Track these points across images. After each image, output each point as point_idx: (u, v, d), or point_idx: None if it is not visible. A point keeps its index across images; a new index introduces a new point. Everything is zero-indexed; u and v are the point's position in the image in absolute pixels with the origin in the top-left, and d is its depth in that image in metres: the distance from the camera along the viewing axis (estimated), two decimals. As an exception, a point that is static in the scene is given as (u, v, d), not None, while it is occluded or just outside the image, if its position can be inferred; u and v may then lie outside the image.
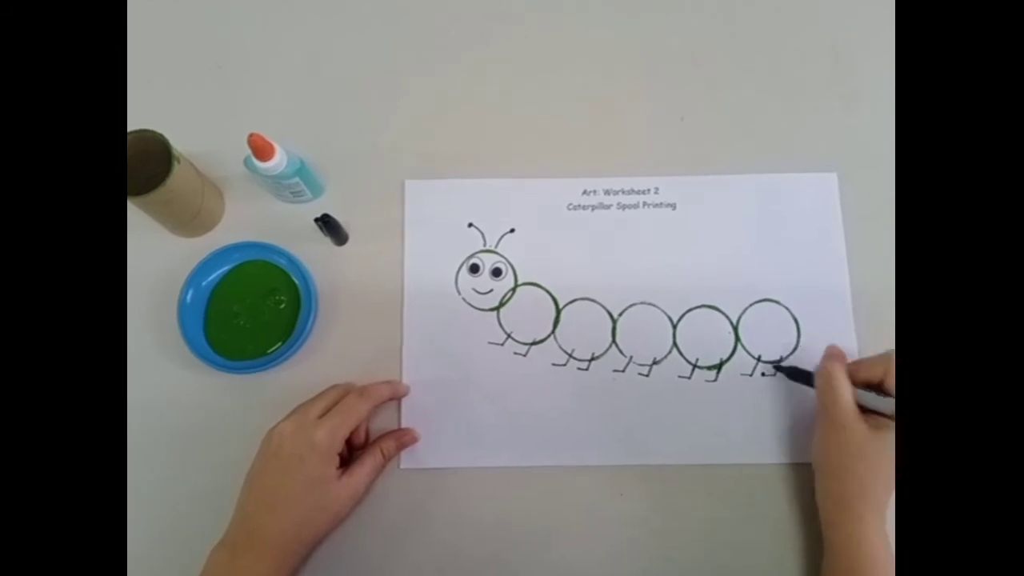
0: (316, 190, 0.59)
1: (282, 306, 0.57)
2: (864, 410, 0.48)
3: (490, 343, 0.57)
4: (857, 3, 0.65)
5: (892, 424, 0.47)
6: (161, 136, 0.52)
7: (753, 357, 0.56)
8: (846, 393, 0.48)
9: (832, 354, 0.52)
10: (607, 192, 0.60)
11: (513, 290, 0.58)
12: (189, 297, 0.56)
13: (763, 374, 0.56)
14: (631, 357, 0.57)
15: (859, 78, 0.63)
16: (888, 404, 0.47)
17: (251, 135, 0.51)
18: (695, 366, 0.56)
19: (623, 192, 0.60)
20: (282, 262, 0.57)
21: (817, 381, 0.51)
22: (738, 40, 0.64)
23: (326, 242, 0.58)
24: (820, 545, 0.50)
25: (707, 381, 0.56)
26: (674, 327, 0.57)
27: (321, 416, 0.50)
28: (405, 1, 0.66)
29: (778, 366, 0.56)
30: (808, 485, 0.52)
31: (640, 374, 0.56)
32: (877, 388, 0.49)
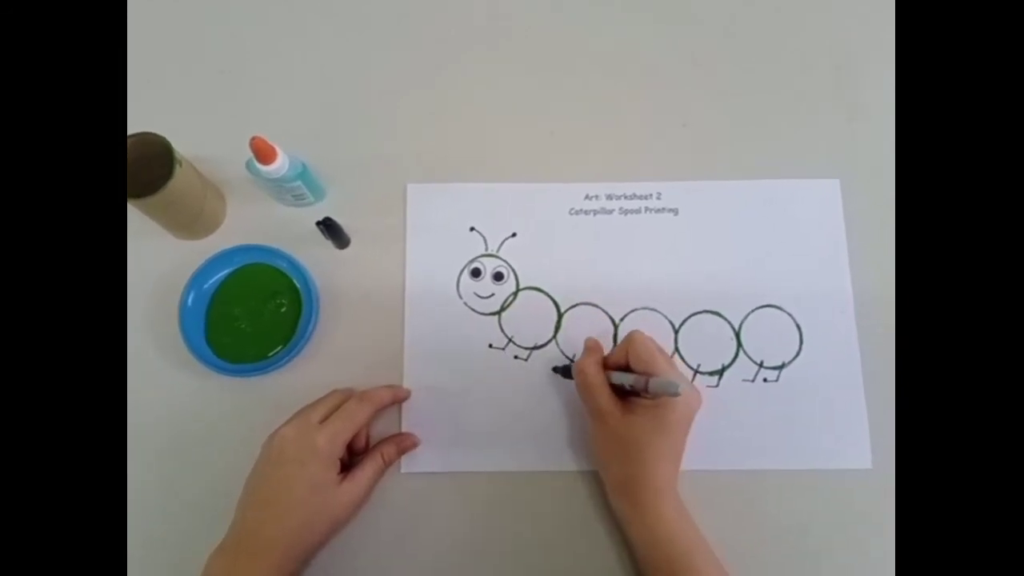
0: (318, 193, 0.59)
1: (283, 309, 0.57)
2: (623, 397, 0.50)
3: (491, 347, 0.57)
4: (859, 10, 0.65)
5: (643, 403, 0.49)
6: (163, 139, 0.52)
7: (755, 363, 0.56)
8: (598, 382, 0.49)
9: (587, 347, 0.53)
10: (609, 197, 0.60)
11: (515, 294, 0.58)
12: (190, 300, 0.56)
13: (765, 380, 0.56)
14: (632, 362, 0.56)
15: (861, 85, 0.63)
16: (627, 378, 0.48)
17: (253, 138, 0.51)
18: (697, 371, 0.56)
19: (625, 197, 0.60)
20: (283, 265, 0.57)
21: (574, 376, 0.51)
22: (741, 46, 0.64)
23: (328, 245, 0.58)
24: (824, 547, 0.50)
25: (708, 387, 0.56)
26: (676, 332, 0.57)
27: (322, 421, 0.50)
28: (408, 5, 0.66)
29: (554, 367, 0.56)
30: (814, 491, 0.52)
31: (641, 379, 0.56)
32: (626, 370, 0.50)
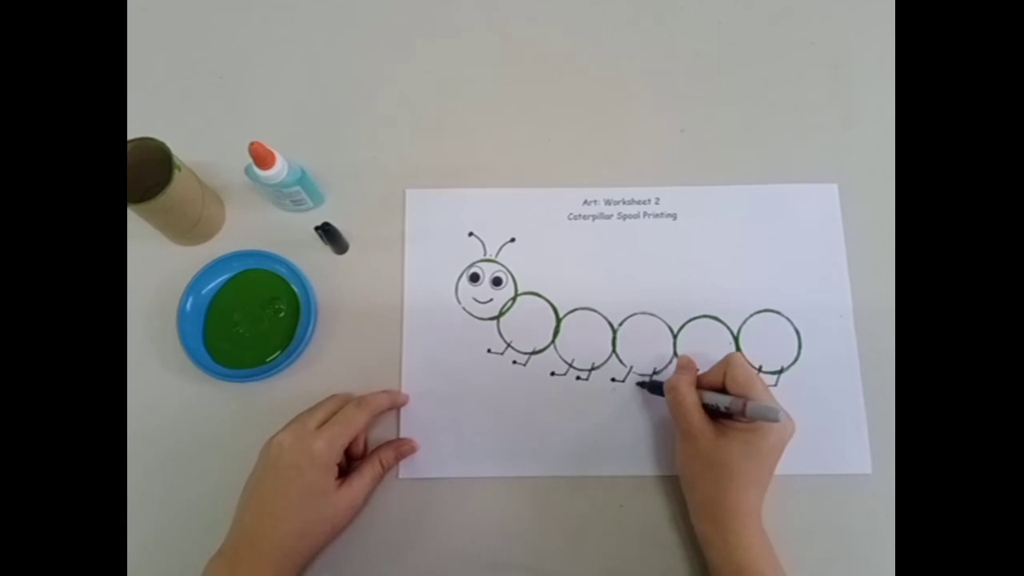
0: (317, 199, 0.59)
1: (282, 315, 0.57)
2: (714, 417, 0.49)
3: (490, 352, 0.57)
4: (856, 15, 0.65)
5: (737, 427, 0.48)
6: (162, 144, 0.52)
7: (754, 367, 0.56)
8: (691, 402, 0.49)
9: (681, 365, 0.53)
10: (608, 202, 0.60)
11: (513, 299, 0.58)
12: (189, 305, 0.56)
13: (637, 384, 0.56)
14: (631, 367, 0.56)
15: (858, 91, 0.63)
16: (724, 399, 0.48)
17: (252, 143, 0.51)
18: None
19: (624, 202, 0.60)
20: (282, 271, 0.57)
21: (666, 394, 0.51)
22: (738, 52, 0.64)
23: (326, 251, 0.58)
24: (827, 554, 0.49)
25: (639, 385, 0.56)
26: (674, 337, 0.57)
27: (320, 426, 0.49)
28: (407, 12, 0.66)
29: (640, 382, 0.56)
30: (814, 496, 0.52)
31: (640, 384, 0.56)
32: (721, 392, 0.50)
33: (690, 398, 0.49)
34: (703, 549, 0.49)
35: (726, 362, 0.50)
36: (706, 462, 0.48)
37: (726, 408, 0.48)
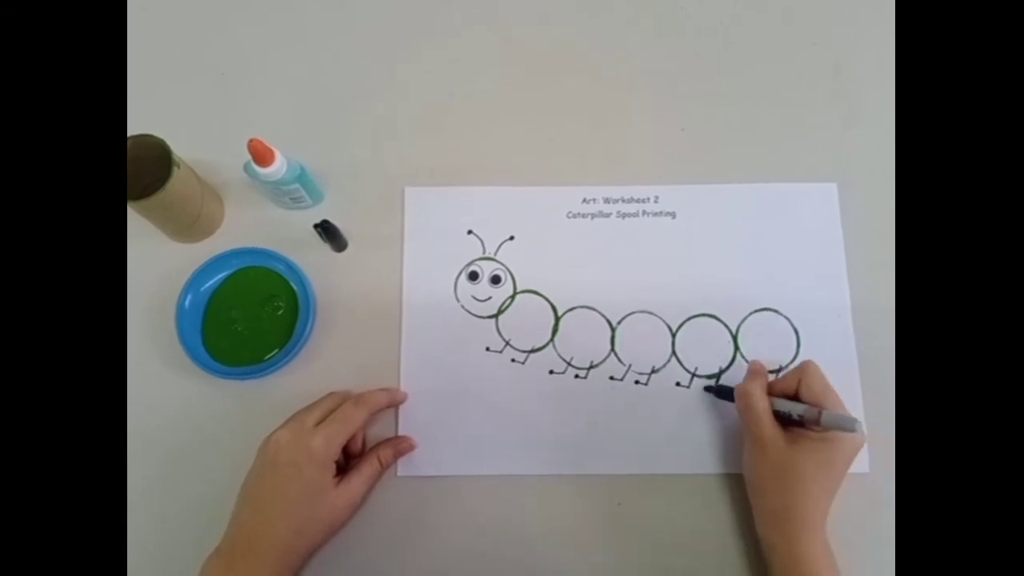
0: (316, 196, 0.59)
1: (280, 312, 0.57)
2: (787, 425, 0.49)
3: (488, 350, 0.57)
4: (856, 14, 0.65)
5: (810, 435, 0.48)
6: (161, 141, 0.52)
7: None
8: (762, 408, 0.49)
9: (753, 371, 0.53)
10: (607, 200, 0.60)
11: (512, 297, 0.58)
12: (187, 302, 0.56)
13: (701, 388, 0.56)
14: (630, 365, 0.56)
15: (858, 90, 0.63)
16: (797, 407, 0.48)
17: (251, 140, 0.51)
18: (694, 375, 0.56)
19: (623, 200, 0.60)
20: (281, 268, 0.57)
21: (737, 399, 0.51)
22: (738, 51, 0.64)
23: (325, 249, 0.58)
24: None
25: (706, 390, 0.56)
26: (673, 336, 0.57)
27: (318, 424, 0.49)
28: (407, 9, 0.66)
29: (707, 386, 0.56)
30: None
31: (639, 383, 0.56)
32: (794, 399, 0.49)
33: (762, 404, 0.49)
34: (766, 555, 0.48)
35: (801, 370, 0.49)
36: (776, 470, 0.47)
37: (799, 416, 0.47)
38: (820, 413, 0.46)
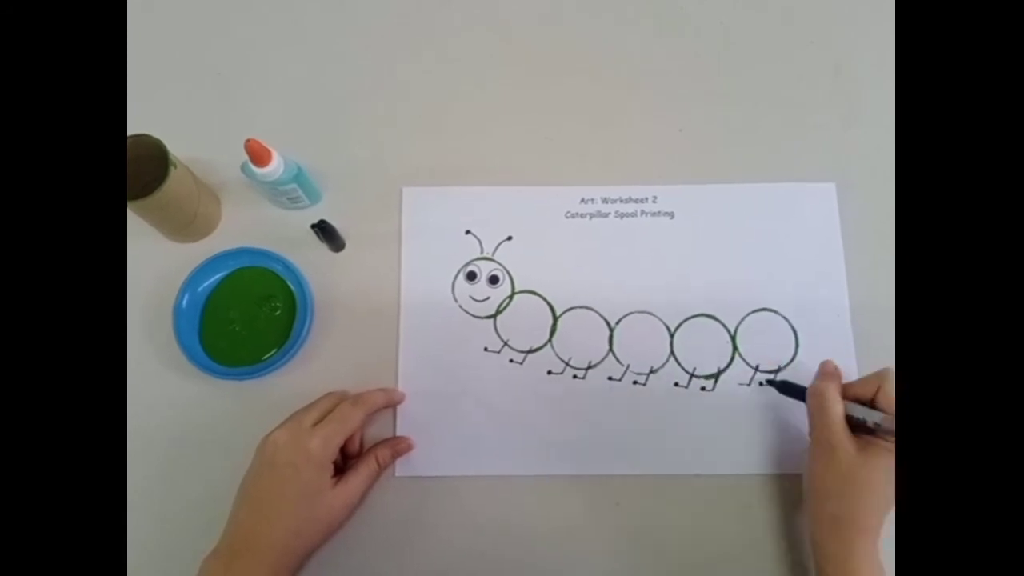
0: (313, 196, 0.59)
1: (278, 312, 0.57)
2: (856, 431, 0.48)
3: (486, 351, 0.57)
4: (855, 14, 0.65)
5: (882, 445, 0.47)
6: (158, 141, 0.52)
7: (751, 367, 0.56)
8: (836, 412, 0.48)
9: (826, 371, 0.52)
10: (605, 200, 0.60)
11: (510, 298, 0.58)
12: (184, 302, 0.56)
13: (761, 384, 0.56)
14: (628, 366, 0.56)
15: (856, 90, 0.63)
16: (873, 415, 0.47)
17: (248, 140, 0.50)
18: (692, 375, 0.56)
19: (621, 200, 0.60)
20: (278, 268, 0.57)
21: (809, 399, 0.50)
22: (736, 50, 0.64)
23: (323, 249, 0.58)
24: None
25: (704, 391, 0.56)
26: (671, 336, 0.57)
27: (315, 424, 0.49)
28: (404, 9, 0.66)
29: (771, 380, 0.55)
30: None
31: (637, 383, 0.56)
32: (869, 406, 0.48)
33: (837, 409, 0.47)
34: (818, 560, 0.47)
35: (881, 376, 0.48)
36: (844, 477, 0.46)
37: (875, 424, 0.46)
38: None
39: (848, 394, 0.49)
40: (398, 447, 0.54)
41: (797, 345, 0.57)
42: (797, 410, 0.54)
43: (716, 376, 0.56)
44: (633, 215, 0.59)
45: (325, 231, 0.55)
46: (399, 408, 0.55)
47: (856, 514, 0.46)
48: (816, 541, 0.48)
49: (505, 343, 0.57)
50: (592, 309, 0.57)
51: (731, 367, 0.56)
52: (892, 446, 0.46)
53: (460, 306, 0.58)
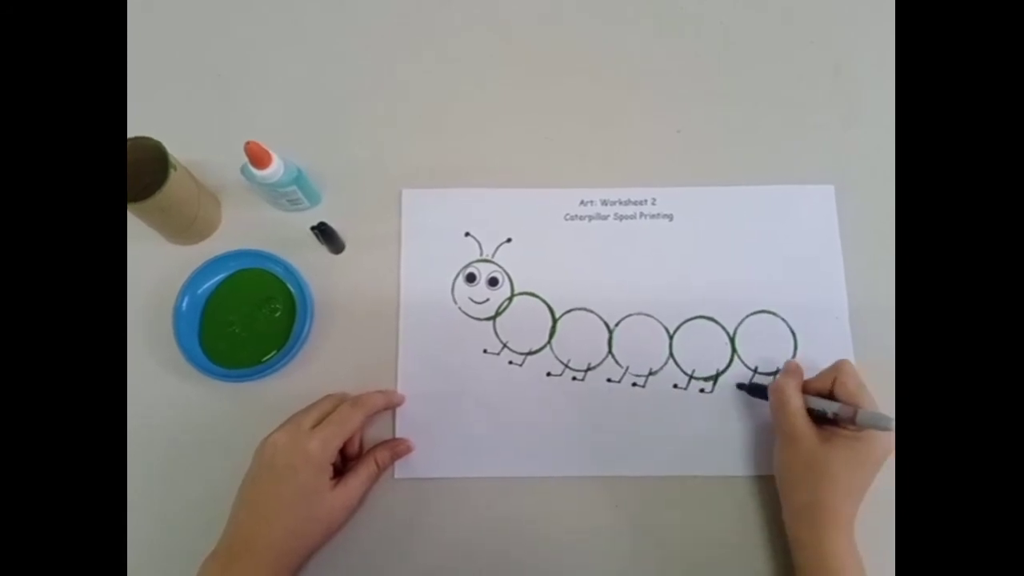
0: (313, 198, 0.59)
1: (277, 314, 0.57)
2: (819, 423, 0.49)
3: (486, 352, 0.57)
4: (854, 16, 0.65)
5: (843, 434, 0.48)
6: (158, 143, 0.52)
7: (750, 368, 0.56)
8: (795, 404, 0.49)
9: (788, 369, 0.53)
10: (604, 202, 0.60)
11: (509, 300, 0.58)
12: (184, 305, 0.56)
13: (739, 386, 0.56)
14: (627, 367, 0.56)
15: (855, 92, 0.63)
16: (832, 405, 0.48)
17: (248, 143, 0.51)
18: (691, 377, 0.56)
19: (620, 203, 0.60)
20: (278, 270, 0.57)
21: (770, 395, 0.51)
22: (735, 52, 0.64)
23: (322, 251, 0.58)
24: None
25: (703, 392, 0.56)
26: (670, 338, 0.57)
27: (314, 426, 0.49)
28: (404, 11, 0.66)
29: (740, 384, 0.56)
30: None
31: (636, 384, 0.56)
32: (829, 398, 0.50)
33: (796, 402, 0.49)
34: (793, 551, 0.49)
35: (836, 369, 0.50)
36: (808, 467, 0.48)
37: (834, 414, 0.48)
38: (855, 411, 0.46)
39: (808, 389, 0.51)
40: (397, 449, 0.54)
41: (796, 347, 0.57)
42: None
43: (715, 378, 0.56)
44: (632, 217, 0.59)
45: (325, 233, 0.55)
46: (398, 410, 0.55)
47: (824, 501, 0.47)
48: (789, 532, 0.49)
49: (504, 345, 0.57)
50: (591, 311, 0.58)
51: (730, 369, 0.56)
52: (853, 435, 0.48)
53: (459, 308, 0.58)
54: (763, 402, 0.54)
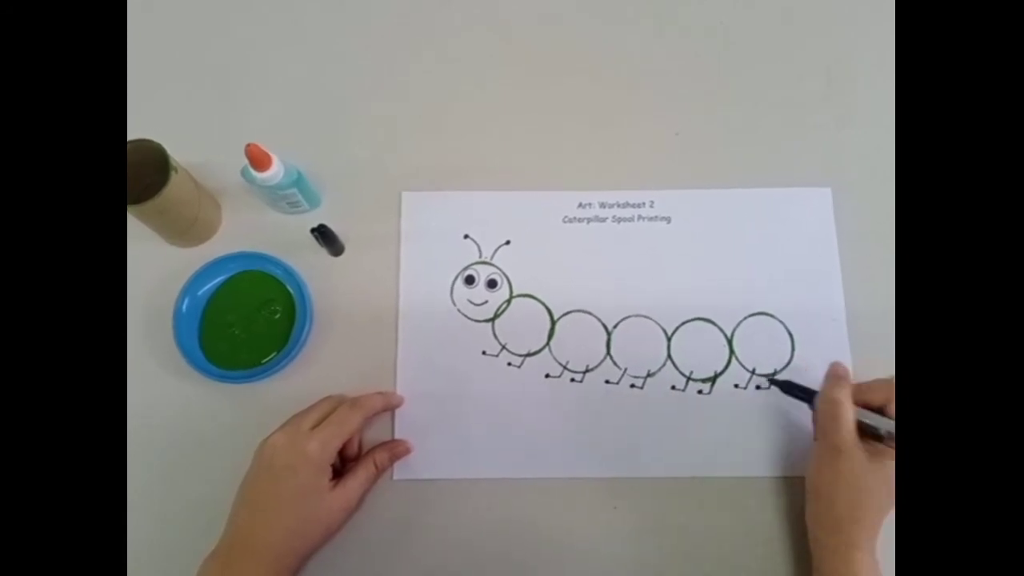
0: (313, 201, 0.59)
1: (277, 316, 0.57)
2: (863, 435, 0.48)
3: (484, 354, 0.57)
4: (851, 18, 0.65)
5: (889, 452, 0.47)
6: (158, 145, 0.52)
7: (747, 370, 0.56)
8: (849, 419, 0.47)
9: (838, 374, 0.51)
10: (602, 205, 0.60)
11: (508, 302, 0.58)
12: (184, 306, 0.56)
13: (757, 387, 0.56)
14: (625, 369, 0.57)
15: (852, 95, 0.63)
16: (886, 423, 0.47)
17: (248, 145, 0.51)
18: (689, 379, 0.56)
19: (618, 205, 0.60)
20: (278, 272, 0.57)
21: (820, 404, 0.50)
22: (733, 56, 0.64)
23: (322, 253, 0.59)
24: (811, 559, 0.50)
25: (701, 394, 0.56)
26: (668, 340, 0.57)
27: (314, 427, 0.50)
28: (404, 11, 0.66)
29: (772, 379, 0.55)
30: (801, 499, 0.52)
31: (634, 386, 0.56)
32: (877, 412, 0.48)
33: (850, 416, 0.47)
34: (816, 558, 0.48)
35: (892, 386, 0.48)
36: (852, 483, 0.46)
37: (887, 433, 0.46)
38: None
39: (857, 399, 0.49)
40: (396, 450, 0.54)
41: (793, 349, 0.57)
42: (793, 413, 0.55)
43: (713, 379, 0.56)
44: (630, 220, 0.60)
45: (324, 235, 0.56)
46: (397, 411, 0.56)
47: (860, 516, 0.46)
48: (817, 542, 0.49)
49: (503, 347, 0.57)
50: (590, 313, 0.58)
51: (728, 370, 0.57)
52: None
53: (458, 310, 0.58)
54: (790, 405, 0.52)
